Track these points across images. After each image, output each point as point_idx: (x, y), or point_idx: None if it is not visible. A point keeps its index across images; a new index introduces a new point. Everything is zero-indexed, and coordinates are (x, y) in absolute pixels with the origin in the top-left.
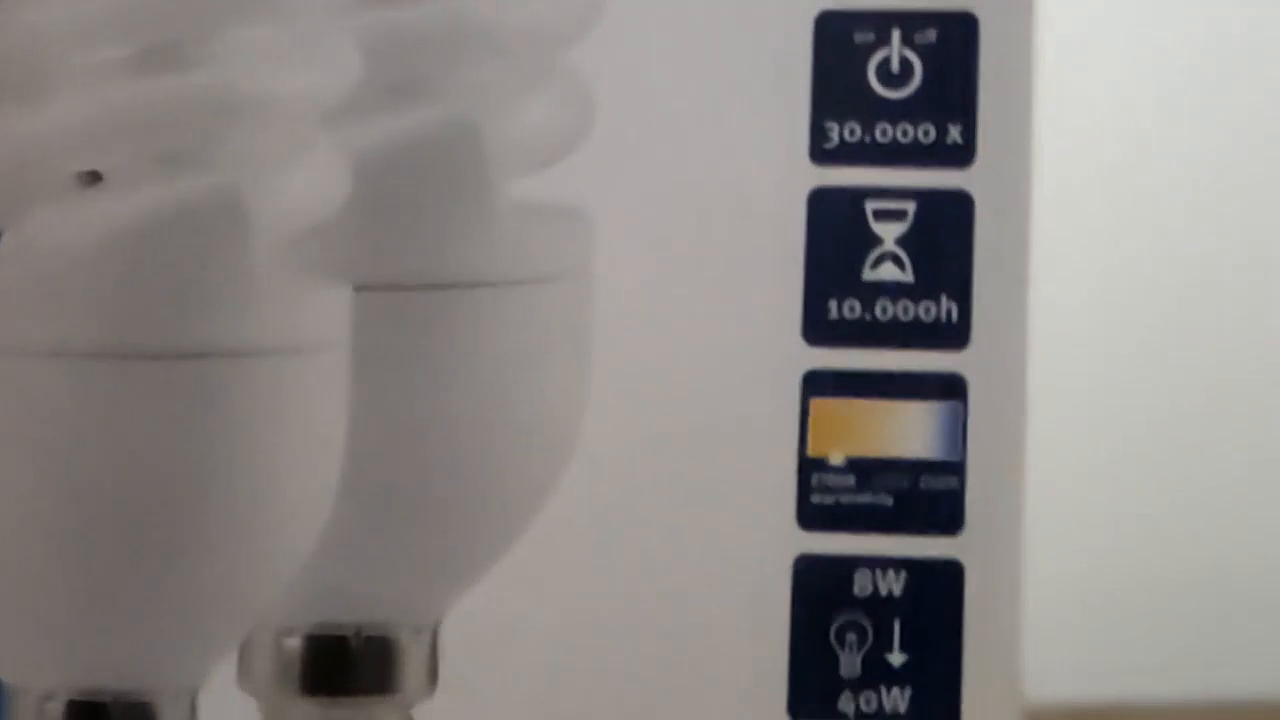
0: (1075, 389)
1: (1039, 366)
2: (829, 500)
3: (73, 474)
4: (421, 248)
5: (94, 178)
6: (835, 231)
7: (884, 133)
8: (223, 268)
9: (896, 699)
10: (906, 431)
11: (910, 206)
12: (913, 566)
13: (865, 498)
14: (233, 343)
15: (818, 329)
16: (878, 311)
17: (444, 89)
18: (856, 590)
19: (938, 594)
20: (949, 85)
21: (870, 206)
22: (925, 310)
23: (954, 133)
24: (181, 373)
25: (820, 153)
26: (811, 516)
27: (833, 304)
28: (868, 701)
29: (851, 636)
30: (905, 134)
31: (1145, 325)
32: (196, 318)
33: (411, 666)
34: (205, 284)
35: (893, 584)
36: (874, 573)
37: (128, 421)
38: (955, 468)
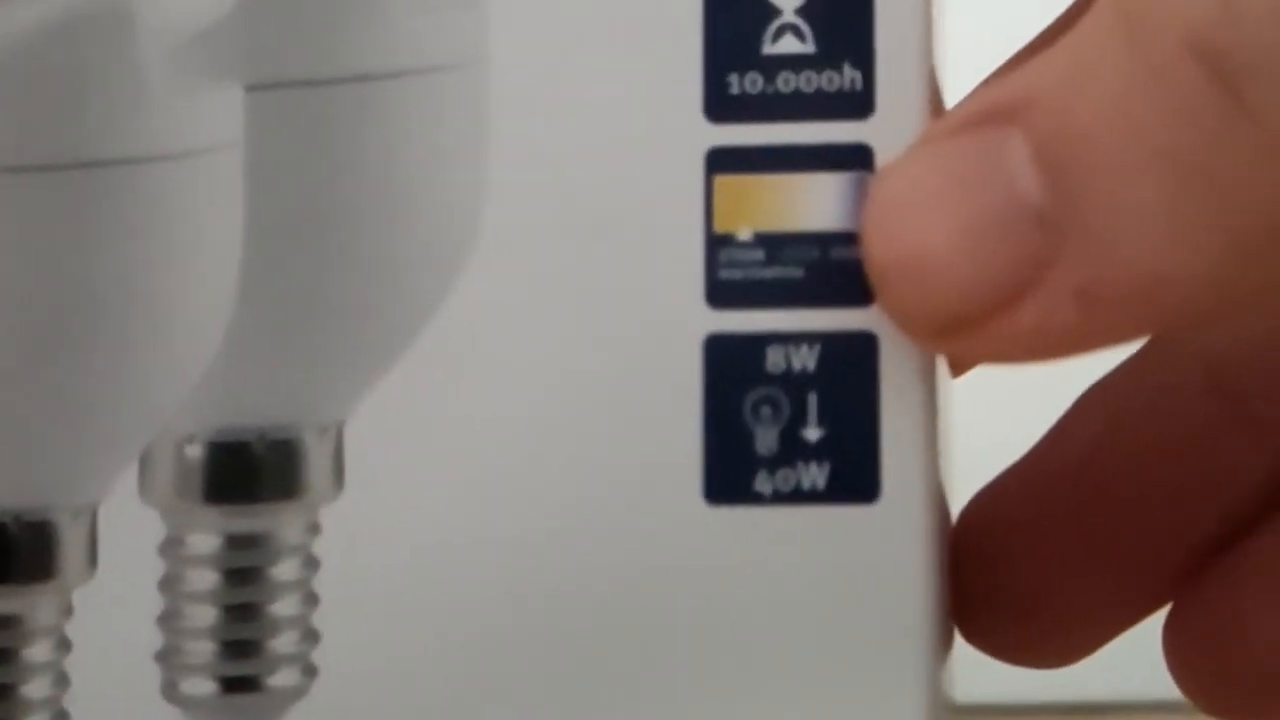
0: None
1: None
2: (737, 276)
3: None
4: (310, 43)
5: None
6: (733, 6)
7: None
8: (111, 76)
9: (815, 475)
10: (814, 204)
11: None
12: (826, 339)
13: (774, 272)
14: (125, 150)
15: (719, 105)
16: (780, 84)
17: None
18: (769, 367)
19: (852, 366)
20: None
21: None
22: (828, 80)
23: None
24: (75, 182)
25: None
26: (720, 294)
27: (733, 79)
28: (785, 480)
29: (766, 411)
30: None
31: None
32: (87, 127)
33: (316, 468)
34: (94, 93)
35: (806, 359)
36: (786, 348)
37: (20, 234)
38: None
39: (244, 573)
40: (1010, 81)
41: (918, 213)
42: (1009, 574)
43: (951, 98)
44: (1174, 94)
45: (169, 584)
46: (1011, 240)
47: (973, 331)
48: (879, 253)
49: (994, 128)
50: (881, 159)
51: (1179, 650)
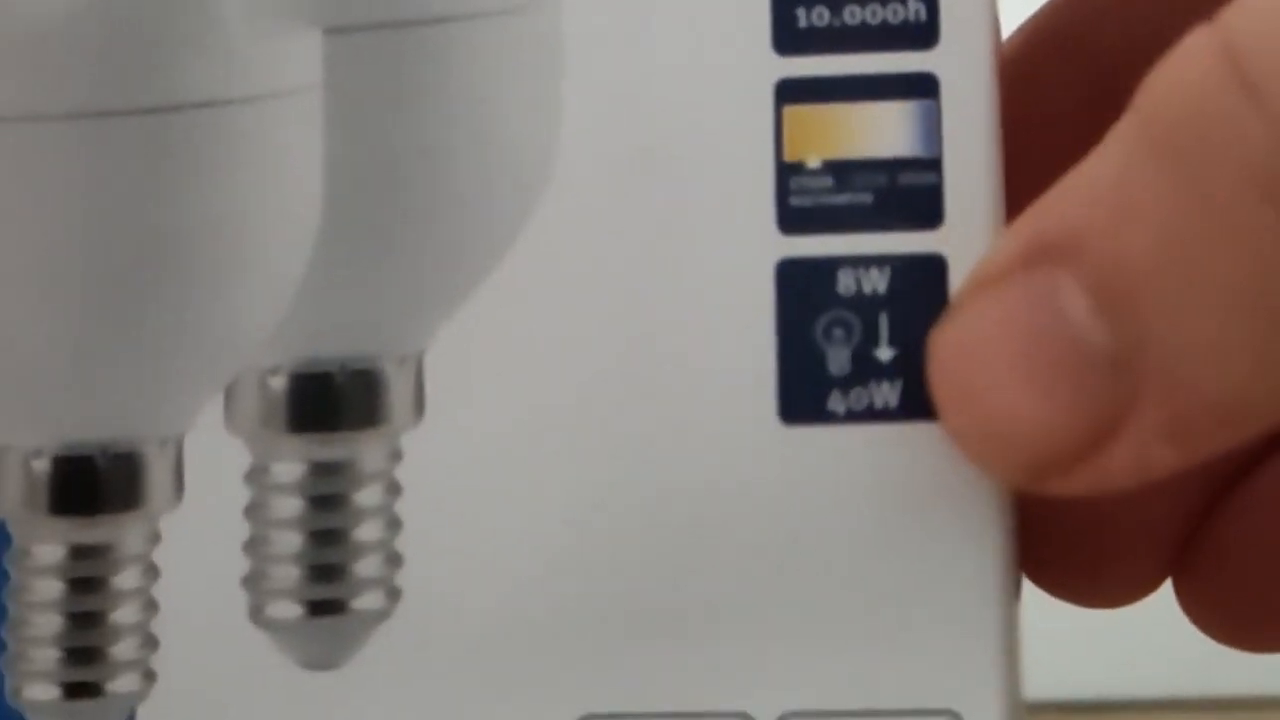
0: None
1: None
2: (808, 202)
3: (52, 232)
4: None
5: None
6: None
7: None
8: (191, 20)
9: (887, 394)
10: (882, 131)
11: None
12: (896, 262)
13: (844, 198)
14: (205, 93)
15: (787, 38)
16: (846, 16)
17: None
18: (841, 289)
19: (922, 287)
20: None
21: None
22: (893, 13)
23: None
24: (156, 126)
25: None
26: (791, 220)
27: (800, 12)
28: (858, 399)
29: (839, 332)
30: None
31: None
32: (169, 71)
33: (397, 397)
34: (176, 37)
35: (877, 281)
36: (857, 271)
37: (104, 176)
38: (932, 164)
39: (328, 498)
40: (1050, 213)
41: (987, 373)
42: (1065, 510)
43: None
44: (1240, 232)
45: (254, 511)
46: (1087, 391)
47: (1066, 475)
48: (956, 422)
49: (1045, 270)
50: (947, 88)
51: (1193, 586)
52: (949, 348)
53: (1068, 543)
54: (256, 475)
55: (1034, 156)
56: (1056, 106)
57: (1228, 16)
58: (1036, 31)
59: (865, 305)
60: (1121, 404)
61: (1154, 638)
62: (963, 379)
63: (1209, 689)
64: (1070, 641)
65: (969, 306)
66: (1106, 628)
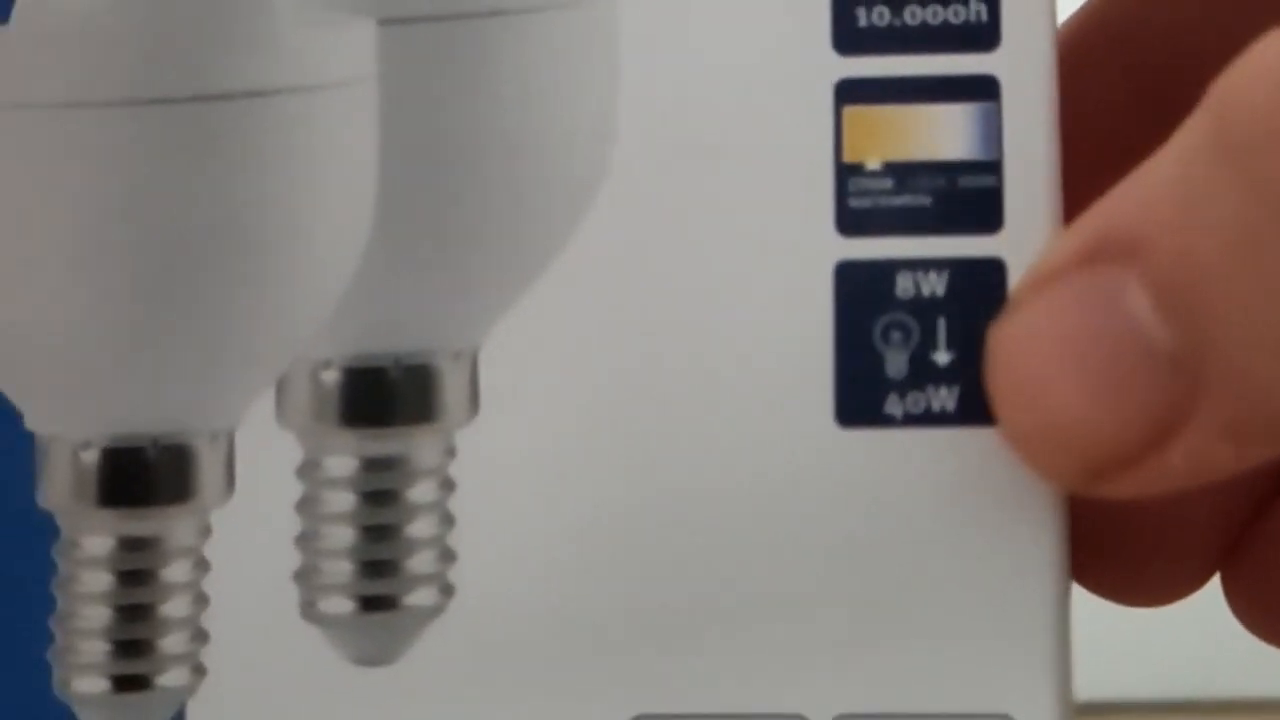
0: None
1: None
2: (867, 204)
3: (99, 221)
4: None
5: None
6: None
7: None
8: (241, 8)
9: (945, 398)
10: (942, 134)
11: None
12: (954, 265)
13: (903, 200)
14: (255, 82)
15: (848, 38)
16: (907, 17)
17: None
18: (899, 292)
19: (980, 291)
20: None
21: None
22: (954, 13)
23: None
24: (209, 115)
25: None
26: (850, 222)
27: (861, 12)
28: (915, 403)
29: (897, 336)
30: None
31: None
32: (221, 59)
33: (451, 393)
34: (228, 25)
35: (935, 284)
36: (915, 274)
37: (157, 167)
38: (992, 167)
39: (380, 494)
40: (1113, 211)
41: (1046, 372)
42: (1111, 507)
43: None
44: None
45: (306, 505)
46: (1148, 390)
47: (1121, 476)
48: (1013, 422)
49: (1107, 268)
50: (1008, 90)
51: (1241, 584)
52: (1007, 344)
53: (1112, 540)
54: (308, 470)
55: (1073, 153)
56: (1097, 103)
57: None
58: (1079, 27)
59: (924, 309)
60: (1182, 404)
61: (1184, 639)
62: (1021, 377)
63: (1245, 691)
64: (1104, 643)
65: (1027, 304)
66: (1140, 629)
